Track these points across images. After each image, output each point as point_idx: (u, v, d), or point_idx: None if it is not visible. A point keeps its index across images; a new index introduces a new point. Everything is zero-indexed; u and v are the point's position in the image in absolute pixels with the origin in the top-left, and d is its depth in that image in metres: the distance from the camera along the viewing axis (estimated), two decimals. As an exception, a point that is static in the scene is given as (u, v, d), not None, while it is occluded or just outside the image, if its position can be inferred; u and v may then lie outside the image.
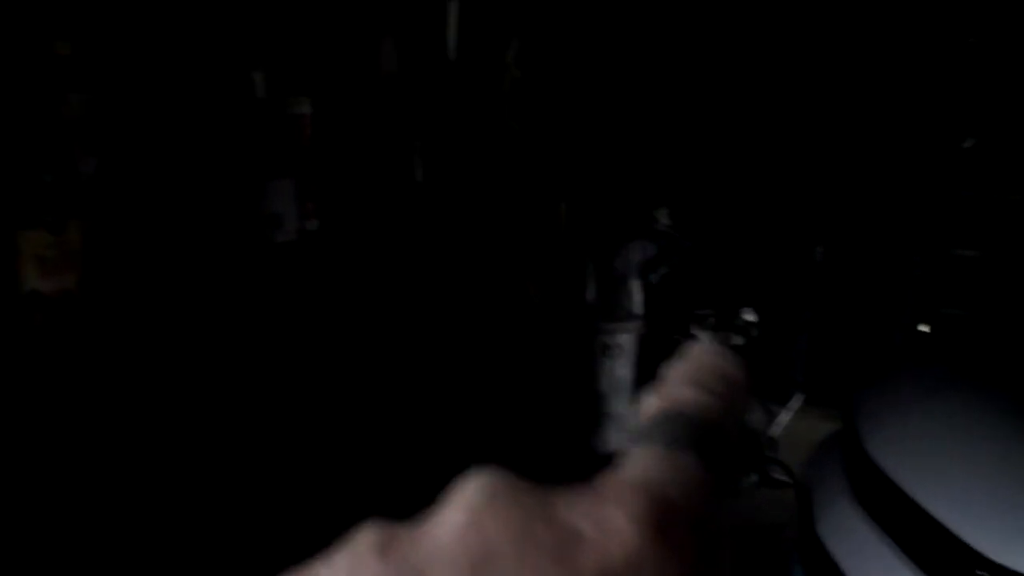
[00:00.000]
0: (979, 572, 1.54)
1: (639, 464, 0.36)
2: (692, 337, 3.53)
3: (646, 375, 3.71)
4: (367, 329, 2.20)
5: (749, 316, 3.57)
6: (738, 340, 3.54)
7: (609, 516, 0.32)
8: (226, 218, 1.76)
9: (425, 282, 2.57)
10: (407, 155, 2.46)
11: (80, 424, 1.24)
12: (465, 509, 0.32)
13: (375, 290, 2.21)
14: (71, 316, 1.29)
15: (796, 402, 4.19)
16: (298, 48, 2.03)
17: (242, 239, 1.81)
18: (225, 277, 1.72)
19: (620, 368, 3.69)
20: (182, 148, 1.67)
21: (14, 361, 1.19)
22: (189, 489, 1.47)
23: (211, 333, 1.58)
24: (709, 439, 0.38)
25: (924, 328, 4.03)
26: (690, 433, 0.38)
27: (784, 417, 4.03)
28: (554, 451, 3.72)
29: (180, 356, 1.49)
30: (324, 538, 0.32)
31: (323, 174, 2.03)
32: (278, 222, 1.88)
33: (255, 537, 1.58)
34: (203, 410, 1.51)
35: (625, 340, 3.66)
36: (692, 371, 0.42)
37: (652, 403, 0.44)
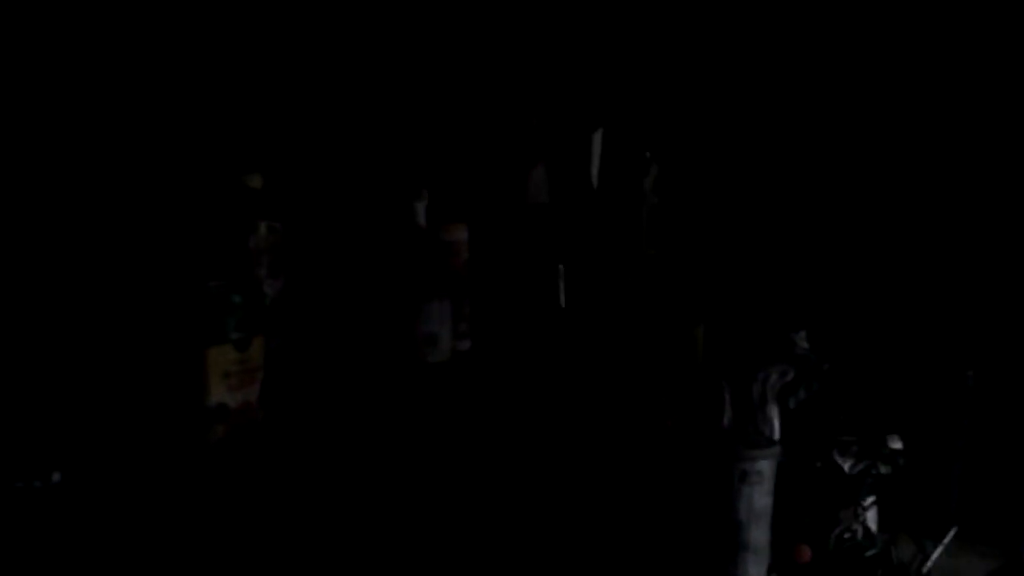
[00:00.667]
0: None
1: None
2: (834, 465, 3.41)
3: (785, 504, 3.59)
4: (511, 449, 2.24)
5: (896, 444, 3.43)
6: (885, 469, 3.40)
7: None
8: (386, 337, 1.86)
9: (566, 405, 2.61)
10: (552, 281, 2.54)
11: (261, 527, 1.31)
12: None
13: (521, 411, 2.26)
14: (251, 427, 1.38)
15: (950, 537, 3.95)
16: (456, 178, 2.16)
17: (399, 358, 1.89)
18: (384, 393, 1.80)
19: (759, 496, 3.58)
20: (352, 272, 1.79)
21: (197, 470, 1.28)
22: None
23: (374, 443, 1.65)
24: None
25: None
26: None
27: (937, 553, 3.81)
28: (691, 580, 3.61)
29: (344, 467, 1.56)
30: None
31: (476, 297, 2.11)
32: (433, 342, 1.96)
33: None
34: (368, 524, 1.57)
35: (764, 467, 3.56)
36: None
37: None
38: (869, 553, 3.46)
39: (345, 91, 1.85)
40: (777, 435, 3.62)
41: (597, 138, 2.98)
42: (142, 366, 1.28)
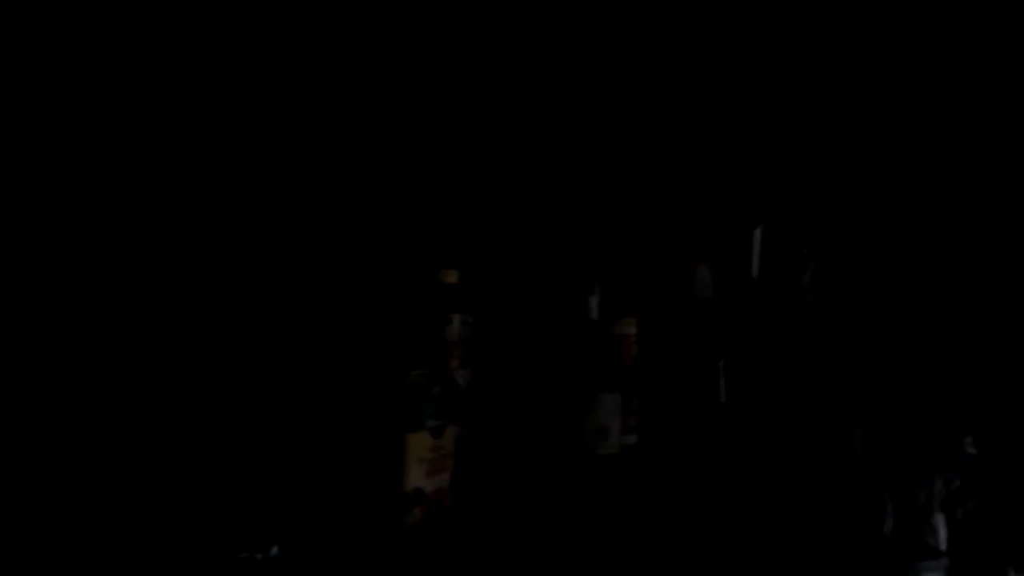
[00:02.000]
0: None
1: None
2: (1008, 581, 3.22)
3: (955, 620, 3.40)
4: (675, 541, 2.24)
5: (1076, 562, 3.22)
6: (1063, 589, 3.19)
7: None
8: (561, 428, 1.91)
9: (727, 500, 2.59)
10: (714, 376, 2.56)
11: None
12: None
13: (685, 503, 2.26)
14: (445, 511, 1.45)
15: None
16: (627, 275, 2.22)
17: (571, 449, 1.94)
18: (559, 482, 1.84)
19: (926, 609, 3.42)
20: (532, 364, 1.86)
21: (396, 551, 1.34)
22: None
23: (549, 529, 1.69)
24: None
25: None
26: None
27: None
28: None
29: (523, 553, 1.60)
30: None
31: (644, 391, 2.15)
32: (604, 435, 2.00)
33: None
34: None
35: (931, 579, 3.40)
36: None
37: None
38: None
39: (531, 192, 1.95)
40: (944, 546, 3.46)
41: (758, 235, 3.01)
42: (351, 450, 1.37)
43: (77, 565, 1.20)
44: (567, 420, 1.99)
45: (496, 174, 1.86)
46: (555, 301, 2.01)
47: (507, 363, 1.84)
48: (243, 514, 1.28)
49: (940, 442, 3.73)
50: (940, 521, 3.45)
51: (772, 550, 2.99)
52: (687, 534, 2.27)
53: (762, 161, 3.00)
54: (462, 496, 1.58)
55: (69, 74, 1.26)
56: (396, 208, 1.60)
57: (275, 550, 1.26)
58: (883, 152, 3.66)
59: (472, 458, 1.66)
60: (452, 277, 1.59)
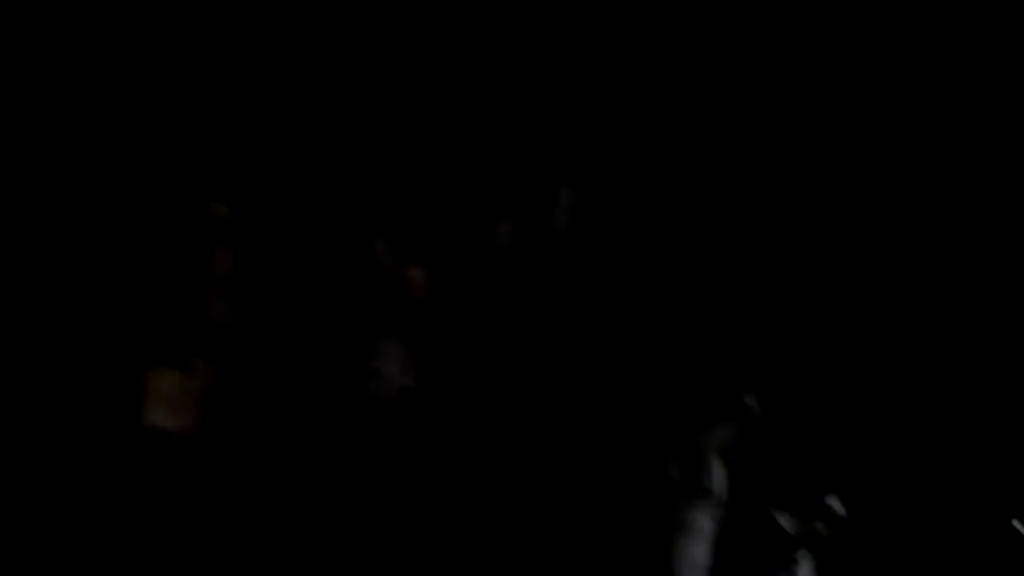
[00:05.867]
0: None
1: None
2: (773, 521, 3.45)
3: (724, 557, 3.63)
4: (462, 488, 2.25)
5: (835, 503, 3.47)
6: (821, 528, 3.44)
7: None
8: (337, 372, 1.91)
9: (518, 450, 2.64)
10: (510, 326, 2.59)
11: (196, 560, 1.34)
12: None
13: (473, 454, 2.29)
14: (191, 454, 1.42)
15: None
16: (420, 218, 2.22)
17: (347, 392, 1.94)
18: (331, 425, 1.85)
19: (697, 549, 3.62)
20: (308, 303, 1.85)
21: (132, 494, 1.31)
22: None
23: (314, 476, 1.69)
24: None
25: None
26: None
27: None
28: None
29: (286, 494, 1.60)
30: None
31: (431, 336, 2.16)
32: (380, 378, 2.01)
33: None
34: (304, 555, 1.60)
35: (703, 520, 3.60)
36: None
37: None
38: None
39: (313, 124, 1.92)
40: (718, 489, 3.66)
41: (566, 193, 3.05)
42: (88, 384, 1.32)
43: None
44: (345, 361, 1.98)
45: (275, 98, 1.81)
46: (338, 241, 1.99)
47: (282, 301, 1.82)
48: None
49: (722, 395, 3.94)
50: (716, 466, 3.65)
51: (557, 494, 3.10)
52: (466, 478, 2.30)
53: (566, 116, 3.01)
54: (220, 437, 1.56)
55: None
56: (170, 128, 1.54)
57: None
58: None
59: (235, 398, 1.64)
60: (222, 210, 1.55)
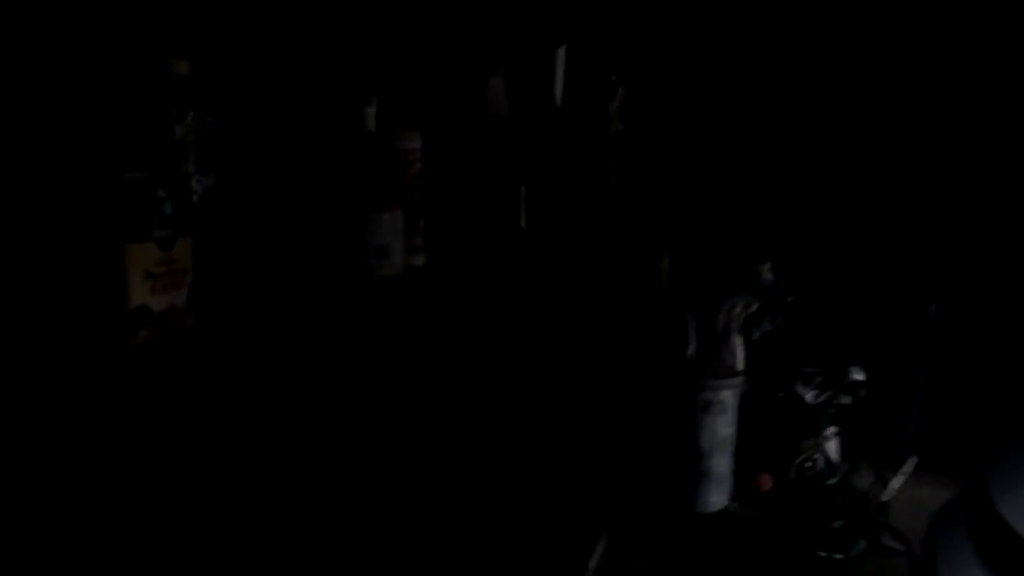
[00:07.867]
0: None
1: None
2: (796, 396, 3.39)
3: (748, 433, 3.57)
4: (464, 371, 2.16)
5: (858, 375, 3.41)
6: (846, 400, 3.38)
7: None
8: (332, 244, 1.74)
9: (525, 329, 2.52)
10: (513, 200, 2.43)
11: (181, 439, 1.21)
12: None
13: (476, 331, 2.17)
14: (177, 332, 1.27)
15: (909, 466, 3.96)
16: (410, 84, 2.03)
17: (348, 268, 1.78)
18: (329, 306, 1.70)
19: (721, 426, 3.56)
20: (293, 173, 1.67)
21: (118, 376, 1.17)
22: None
23: (310, 359, 1.55)
24: None
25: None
26: None
27: (896, 482, 3.81)
28: (653, 510, 3.60)
29: (276, 382, 1.46)
30: None
31: (431, 211, 2.00)
32: (384, 254, 1.85)
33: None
34: (298, 441, 1.47)
35: (726, 397, 3.53)
36: None
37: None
38: (829, 482, 3.47)
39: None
40: (741, 366, 3.59)
41: (561, 54, 2.85)
42: (57, 263, 1.15)
43: None
44: (341, 238, 1.82)
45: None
46: (325, 107, 1.80)
47: (268, 173, 1.63)
48: None
49: (739, 269, 3.84)
50: (737, 343, 3.58)
51: (571, 372, 2.99)
52: (473, 362, 2.19)
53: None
54: (208, 317, 1.39)
55: None
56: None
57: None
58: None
59: (225, 276, 1.47)
60: (182, 67, 1.35)
